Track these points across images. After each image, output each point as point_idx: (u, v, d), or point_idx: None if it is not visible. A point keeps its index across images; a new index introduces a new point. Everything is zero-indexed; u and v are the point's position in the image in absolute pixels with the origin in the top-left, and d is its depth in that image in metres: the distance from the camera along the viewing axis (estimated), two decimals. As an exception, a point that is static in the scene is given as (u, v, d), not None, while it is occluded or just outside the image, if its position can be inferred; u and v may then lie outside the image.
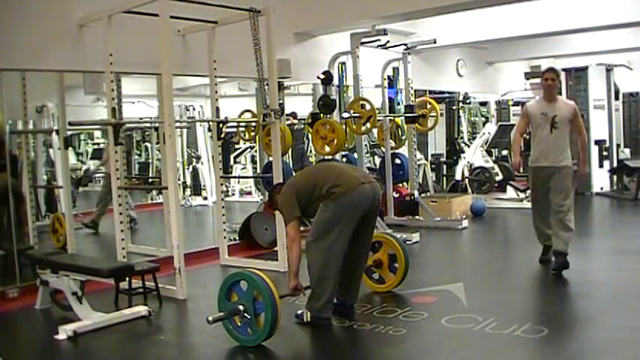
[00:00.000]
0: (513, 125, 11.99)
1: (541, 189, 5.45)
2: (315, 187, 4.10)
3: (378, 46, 7.65)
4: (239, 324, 3.81)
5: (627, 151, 11.75)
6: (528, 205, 9.13)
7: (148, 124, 9.41)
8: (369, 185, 4.16)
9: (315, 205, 4.12)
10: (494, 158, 10.53)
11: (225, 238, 6.32)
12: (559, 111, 5.32)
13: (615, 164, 10.60)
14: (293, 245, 4.08)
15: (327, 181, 4.08)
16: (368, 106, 6.97)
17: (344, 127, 6.87)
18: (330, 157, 7.07)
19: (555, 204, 5.29)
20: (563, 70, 10.59)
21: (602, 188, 10.34)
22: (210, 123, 6.42)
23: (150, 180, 10.27)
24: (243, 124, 7.52)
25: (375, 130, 8.10)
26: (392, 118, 8.13)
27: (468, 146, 10.75)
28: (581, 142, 5.53)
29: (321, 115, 6.99)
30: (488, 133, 10.49)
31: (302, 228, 4.46)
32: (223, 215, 6.32)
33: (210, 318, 3.72)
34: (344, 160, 7.64)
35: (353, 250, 4.19)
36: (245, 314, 3.73)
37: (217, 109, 6.16)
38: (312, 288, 4.12)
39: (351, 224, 4.09)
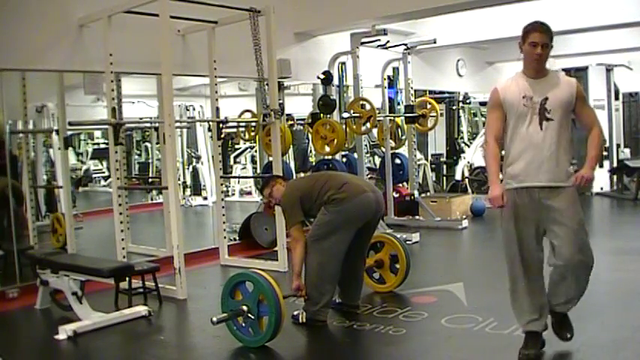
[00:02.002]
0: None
1: (527, 231, 3.27)
2: (319, 195, 4.12)
3: (378, 46, 7.65)
4: (243, 324, 3.81)
5: (627, 151, 11.74)
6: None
7: (148, 124, 9.42)
8: (373, 194, 4.19)
9: (317, 210, 4.15)
10: (494, 158, 10.50)
11: (225, 238, 6.32)
12: (552, 91, 3.21)
13: (615, 164, 10.60)
14: (297, 246, 4.09)
15: (330, 189, 4.10)
16: (368, 106, 6.97)
17: (344, 127, 6.87)
18: (329, 157, 7.08)
19: (565, 255, 3.22)
20: (563, 70, 10.59)
21: (602, 188, 10.33)
22: (210, 123, 6.42)
23: (150, 180, 10.28)
24: (243, 124, 7.53)
25: (375, 130, 8.10)
26: (392, 118, 8.13)
27: (468, 146, 10.75)
28: (593, 136, 3.27)
29: (321, 115, 6.99)
30: (489, 133, 10.46)
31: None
32: (223, 215, 6.32)
33: (215, 319, 3.72)
34: (344, 160, 7.64)
35: (350, 254, 4.20)
36: (249, 315, 3.74)
37: (217, 109, 6.16)
38: (309, 291, 4.12)
39: (351, 230, 4.11)
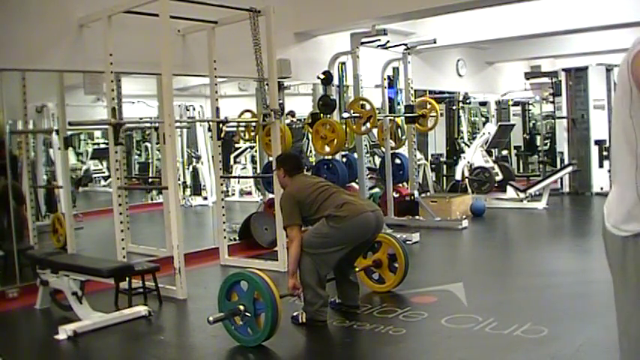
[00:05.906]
0: (513, 125, 12.08)
1: None
2: (319, 209, 4.12)
3: (378, 46, 7.65)
4: (240, 324, 3.81)
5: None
6: (528, 205, 9.26)
7: (148, 124, 9.41)
8: (373, 214, 4.19)
9: (314, 221, 4.17)
10: (494, 158, 10.53)
11: (225, 238, 6.32)
12: None
13: (615, 164, 10.55)
14: (292, 245, 4.10)
15: (330, 206, 4.11)
16: (368, 106, 6.96)
17: (344, 127, 6.87)
18: (329, 156, 7.07)
19: None
20: (563, 70, 10.61)
21: (602, 188, 10.32)
22: (210, 123, 6.42)
23: (150, 180, 10.27)
24: (243, 124, 7.53)
25: (375, 130, 8.10)
26: (392, 118, 8.13)
27: (468, 146, 10.75)
28: None
29: (321, 115, 6.99)
30: (488, 133, 10.49)
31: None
32: (223, 215, 6.32)
33: (211, 318, 3.72)
34: (344, 160, 7.64)
35: (340, 261, 4.20)
36: (246, 313, 3.74)
37: (217, 109, 6.16)
38: (305, 292, 4.12)
39: (348, 247, 4.13)
